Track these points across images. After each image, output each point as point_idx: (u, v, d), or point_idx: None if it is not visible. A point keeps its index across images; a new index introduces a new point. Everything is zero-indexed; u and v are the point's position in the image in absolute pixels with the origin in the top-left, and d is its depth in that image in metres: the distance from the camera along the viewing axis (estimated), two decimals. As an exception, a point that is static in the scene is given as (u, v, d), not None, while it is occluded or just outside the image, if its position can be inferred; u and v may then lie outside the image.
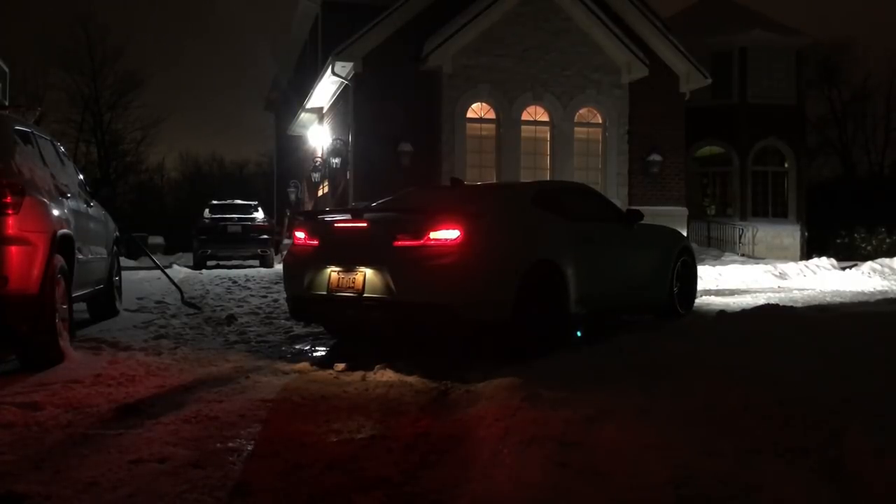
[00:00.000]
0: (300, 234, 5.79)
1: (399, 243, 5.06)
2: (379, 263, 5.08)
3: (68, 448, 3.26)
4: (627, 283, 6.62)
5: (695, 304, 7.92)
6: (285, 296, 6.10)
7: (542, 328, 5.33)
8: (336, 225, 5.72)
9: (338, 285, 5.28)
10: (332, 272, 5.33)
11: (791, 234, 20.87)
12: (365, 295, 5.12)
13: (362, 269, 5.15)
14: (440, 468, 2.96)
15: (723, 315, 6.61)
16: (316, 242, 5.62)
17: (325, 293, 5.37)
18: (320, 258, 5.48)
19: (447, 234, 4.96)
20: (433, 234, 4.98)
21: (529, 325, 5.21)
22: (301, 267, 5.61)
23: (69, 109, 38.30)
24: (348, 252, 5.32)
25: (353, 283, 5.18)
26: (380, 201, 6.73)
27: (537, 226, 5.73)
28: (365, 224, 5.46)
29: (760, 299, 9.24)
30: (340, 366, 4.98)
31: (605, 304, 6.33)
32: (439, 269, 4.91)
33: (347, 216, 5.74)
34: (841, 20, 57.01)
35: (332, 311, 5.51)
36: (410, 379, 4.57)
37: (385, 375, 4.67)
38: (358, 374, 4.75)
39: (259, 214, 18.36)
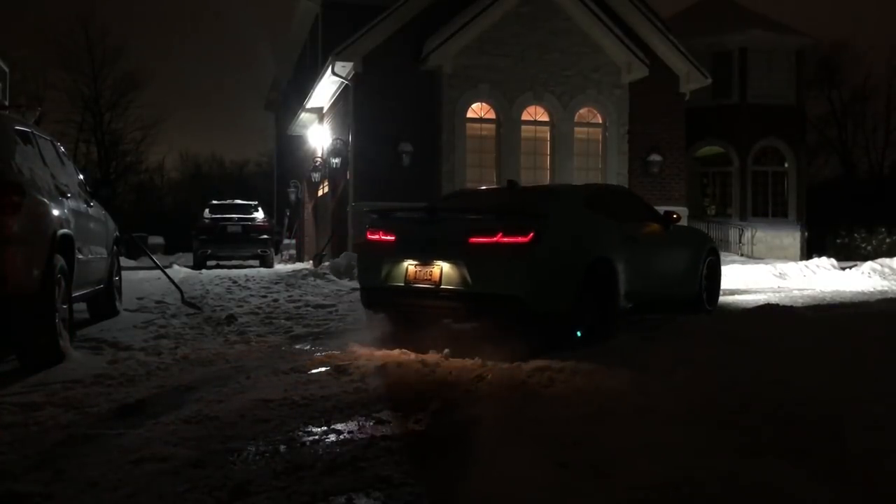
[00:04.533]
0: (374, 230, 6.14)
1: (475, 240, 5.46)
2: (456, 258, 5.47)
3: (68, 448, 3.27)
4: (665, 279, 7.00)
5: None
6: (359, 286, 6.46)
7: (596, 319, 5.71)
8: (413, 222, 6.10)
9: (415, 277, 5.68)
10: (410, 265, 5.72)
11: (791, 234, 20.87)
12: (442, 287, 5.52)
13: (439, 262, 5.54)
14: (440, 468, 2.96)
15: (723, 315, 6.61)
16: (392, 238, 5.97)
17: (402, 285, 5.74)
18: (397, 252, 5.84)
19: (519, 233, 5.34)
20: (507, 233, 5.37)
21: (587, 316, 5.60)
22: (377, 260, 5.99)
23: (69, 109, 38.31)
24: (426, 247, 5.68)
25: (431, 275, 5.58)
26: (445, 201, 7.23)
27: (594, 225, 6.12)
28: (441, 222, 5.83)
29: (761, 299, 9.24)
30: (341, 366, 4.99)
31: (646, 299, 6.64)
32: (512, 264, 5.31)
33: (424, 214, 6.06)
34: (841, 20, 57.08)
35: (409, 302, 5.89)
36: (411, 379, 4.57)
37: (385, 376, 4.67)
38: (358, 374, 4.75)
39: (259, 214, 18.37)
